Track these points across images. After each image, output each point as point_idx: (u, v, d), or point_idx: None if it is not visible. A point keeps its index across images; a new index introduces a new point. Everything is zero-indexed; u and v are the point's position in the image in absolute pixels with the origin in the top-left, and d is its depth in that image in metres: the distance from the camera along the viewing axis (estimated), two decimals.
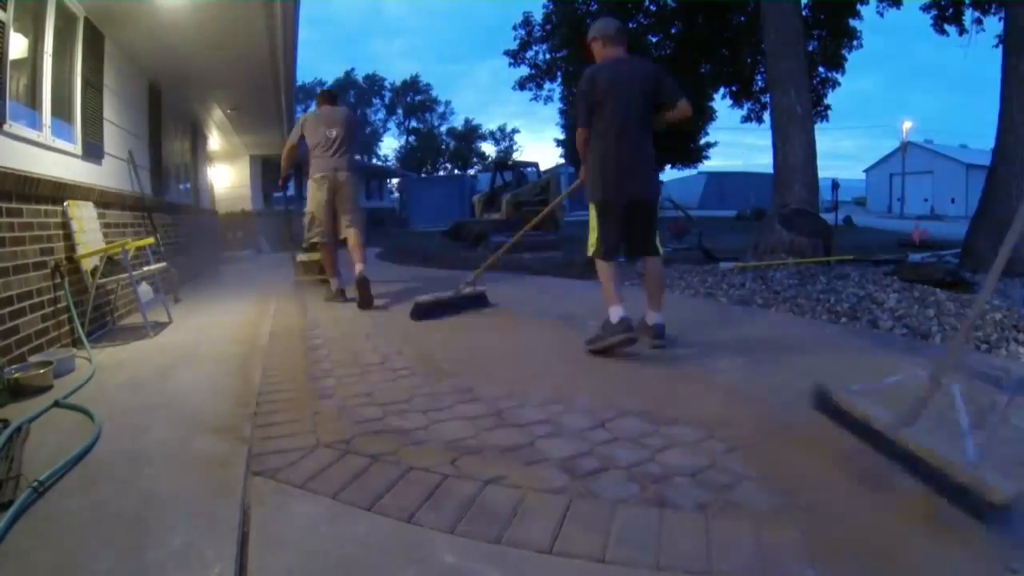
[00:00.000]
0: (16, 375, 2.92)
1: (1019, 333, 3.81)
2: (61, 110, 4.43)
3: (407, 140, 52.36)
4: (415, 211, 32.14)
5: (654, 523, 1.64)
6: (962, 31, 11.83)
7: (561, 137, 29.68)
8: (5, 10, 3.41)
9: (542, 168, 21.87)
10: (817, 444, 2.11)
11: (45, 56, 4.13)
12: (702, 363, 3.22)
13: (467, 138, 53.06)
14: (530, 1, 19.87)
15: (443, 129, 53.37)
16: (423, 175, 45.96)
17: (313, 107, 6.04)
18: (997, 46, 7.75)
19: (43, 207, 3.79)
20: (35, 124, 3.99)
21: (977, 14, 11.42)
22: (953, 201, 35.22)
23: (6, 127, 3.45)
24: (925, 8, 12.11)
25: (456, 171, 49.27)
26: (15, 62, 3.74)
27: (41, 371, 3.01)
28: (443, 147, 52.82)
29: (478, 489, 1.85)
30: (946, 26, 11.99)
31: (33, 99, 4.05)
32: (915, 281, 5.31)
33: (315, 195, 5.49)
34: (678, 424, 2.33)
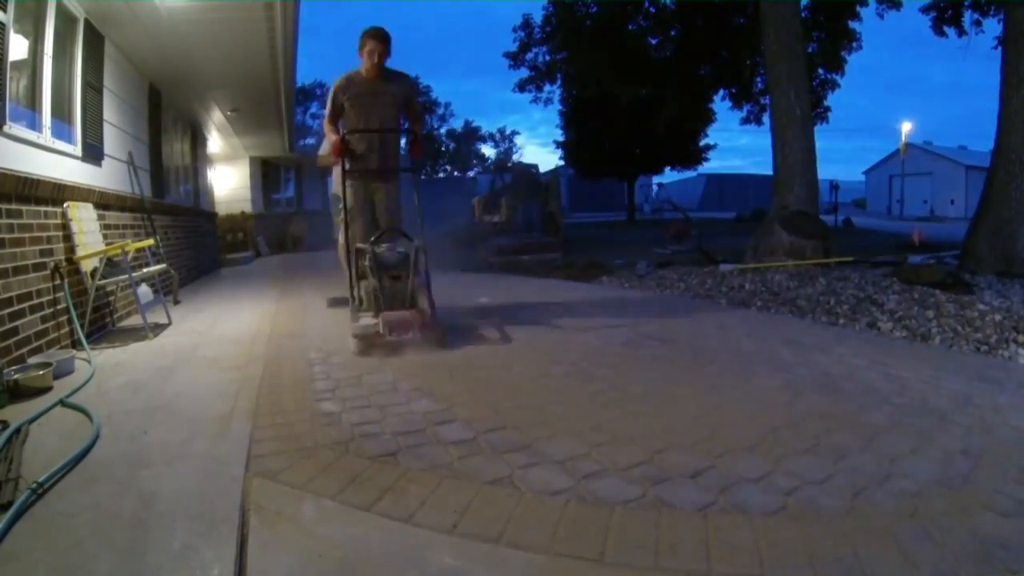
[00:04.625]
0: (16, 376, 2.91)
1: (1019, 335, 3.81)
2: (61, 111, 4.43)
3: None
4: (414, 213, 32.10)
5: None
6: (961, 33, 11.83)
7: (561, 139, 29.73)
8: (5, 11, 3.41)
9: (542, 170, 21.85)
10: None
11: (45, 57, 4.13)
12: None
13: (467, 140, 53.02)
14: (530, 3, 19.84)
15: (443, 131, 53.35)
16: (422, 177, 45.98)
17: None
18: (996, 47, 7.75)
19: (43, 208, 3.79)
20: (35, 125, 3.99)
21: (976, 15, 11.43)
22: (952, 202, 35.24)
23: (6, 128, 3.45)
24: (924, 10, 12.12)
25: (456, 173, 49.25)
26: (15, 63, 3.74)
27: (41, 372, 3.00)
28: (443, 149, 52.81)
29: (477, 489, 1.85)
30: (945, 28, 11.99)
31: (33, 100, 4.05)
32: (915, 283, 5.32)
33: None
34: None
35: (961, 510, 1.68)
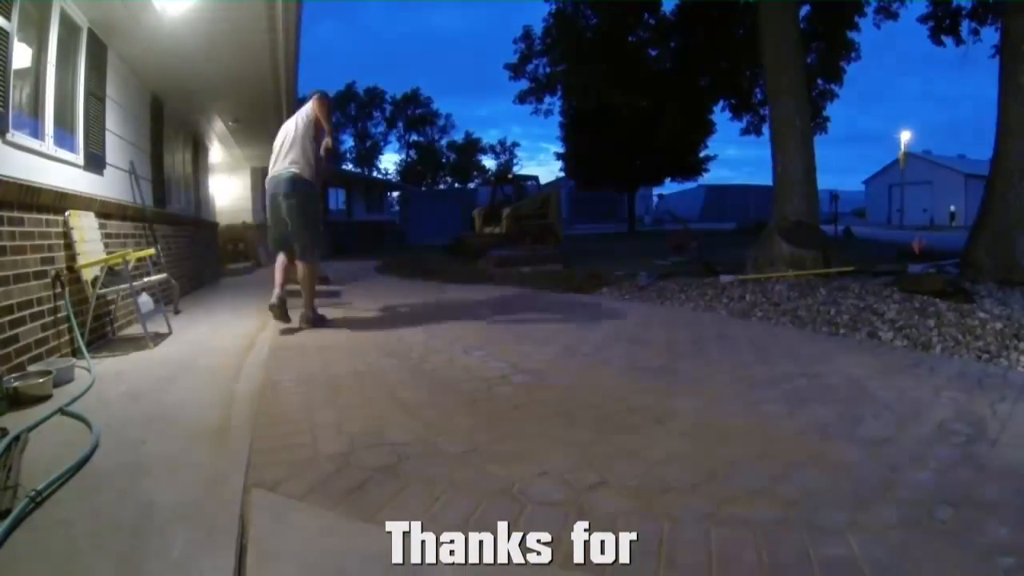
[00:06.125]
0: (15, 384, 2.90)
1: (1020, 342, 3.80)
2: (63, 120, 4.44)
3: (408, 154, 52.51)
4: (415, 225, 32.22)
5: None
6: (959, 42, 11.89)
7: (561, 151, 29.85)
8: (9, 19, 3.43)
9: (542, 182, 21.92)
10: None
11: (48, 66, 4.14)
12: None
13: (467, 152, 53.23)
14: (530, 14, 19.99)
15: (444, 143, 53.53)
16: (423, 188, 46.14)
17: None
18: (994, 56, 7.80)
19: (44, 216, 3.79)
20: (37, 134, 4.00)
21: (974, 24, 11.48)
22: (953, 215, 35.36)
23: (9, 136, 3.45)
24: (922, 19, 12.19)
25: (456, 185, 49.42)
26: (18, 71, 3.75)
27: (40, 380, 2.99)
28: (444, 160, 52.99)
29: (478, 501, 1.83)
30: (943, 37, 12.05)
31: (36, 109, 4.06)
32: (915, 292, 5.31)
33: None
34: None
35: (963, 518, 1.67)
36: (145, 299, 4.94)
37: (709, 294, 6.24)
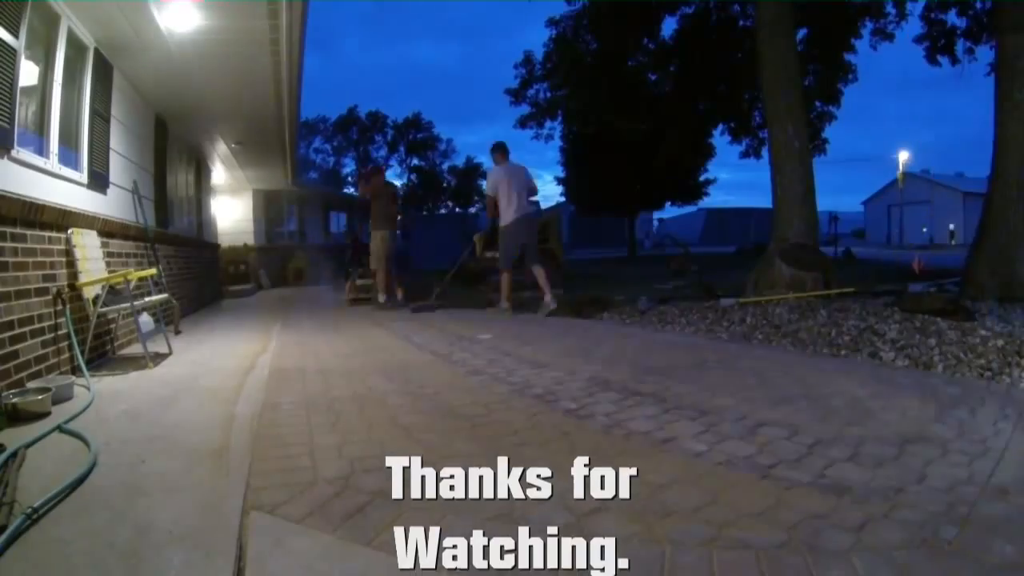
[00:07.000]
0: (14, 400, 2.89)
1: (1022, 359, 3.78)
2: (68, 139, 4.48)
3: (409, 178, 52.67)
4: (417, 249, 32.26)
5: None
6: (954, 61, 11.98)
7: (562, 176, 29.99)
8: (17, 36, 3.47)
9: (543, 207, 22.01)
10: None
11: (54, 84, 4.19)
12: None
13: (468, 176, 53.38)
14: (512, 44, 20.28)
15: (445, 167, 53.67)
16: (424, 213, 46.29)
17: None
18: (989, 74, 7.87)
19: (47, 234, 3.81)
20: (42, 151, 4.03)
21: (968, 44, 11.58)
22: (952, 230, 35.49)
23: (13, 153, 3.48)
24: (918, 40, 12.29)
25: (457, 209, 49.53)
26: (25, 89, 3.78)
27: (39, 397, 2.98)
28: (445, 185, 53.12)
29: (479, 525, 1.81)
30: (939, 57, 12.15)
31: (41, 127, 4.10)
32: (916, 311, 5.31)
33: None
34: None
35: (968, 537, 1.65)
36: (146, 319, 4.94)
37: (710, 318, 6.22)
